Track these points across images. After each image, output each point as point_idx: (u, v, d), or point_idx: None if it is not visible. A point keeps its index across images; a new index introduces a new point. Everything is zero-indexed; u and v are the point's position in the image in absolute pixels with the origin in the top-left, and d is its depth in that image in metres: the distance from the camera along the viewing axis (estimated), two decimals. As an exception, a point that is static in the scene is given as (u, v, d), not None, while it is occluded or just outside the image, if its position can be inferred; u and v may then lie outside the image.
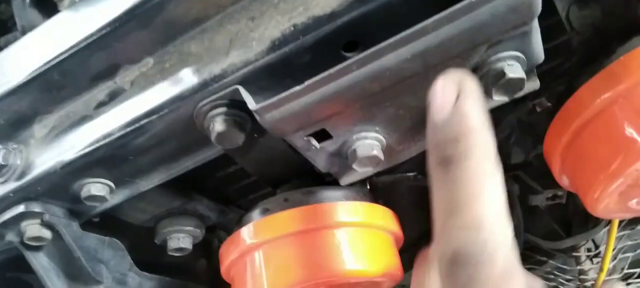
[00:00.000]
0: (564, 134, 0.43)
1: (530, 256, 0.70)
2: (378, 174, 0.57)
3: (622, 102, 0.38)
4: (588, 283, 0.72)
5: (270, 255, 0.49)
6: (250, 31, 0.46)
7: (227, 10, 0.48)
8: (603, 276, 0.65)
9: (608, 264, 0.64)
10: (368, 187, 0.58)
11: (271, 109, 0.43)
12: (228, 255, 0.52)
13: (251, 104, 0.44)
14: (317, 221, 0.49)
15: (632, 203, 0.46)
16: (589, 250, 0.66)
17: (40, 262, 0.60)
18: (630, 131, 0.37)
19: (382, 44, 0.39)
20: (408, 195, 0.65)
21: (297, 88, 0.42)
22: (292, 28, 0.44)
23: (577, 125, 0.41)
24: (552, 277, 0.72)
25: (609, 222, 0.61)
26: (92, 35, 0.50)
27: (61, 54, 0.52)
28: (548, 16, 0.47)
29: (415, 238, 0.73)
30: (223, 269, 0.54)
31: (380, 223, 0.52)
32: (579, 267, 0.68)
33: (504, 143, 0.54)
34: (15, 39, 0.57)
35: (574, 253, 0.66)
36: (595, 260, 0.73)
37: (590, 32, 0.44)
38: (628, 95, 0.38)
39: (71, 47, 0.51)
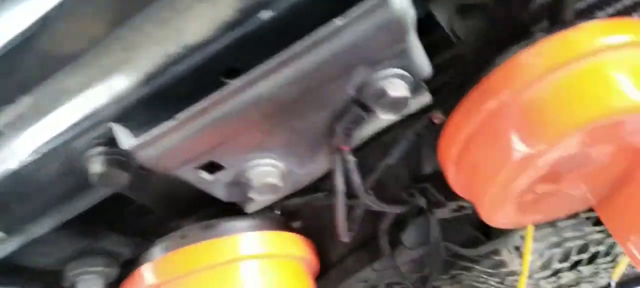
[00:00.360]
0: (453, 145, 0.42)
1: (455, 263, 0.69)
2: (289, 197, 0.55)
3: (500, 112, 0.37)
4: (517, 284, 0.72)
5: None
6: (125, 64, 0.43)
7: (101, 42, 0.45)
8: (524, 279, 0.65)
9: (527, 265, 0.64)
10: (278, 212, 0.56)
11: (146, 146, 0.41)
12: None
13: (124, 142, 0.41)
14: (214, 257, 0.47)
15: (538, 210, 0.46)
16: (517, 248, 0.66)
17: None
18: (511, 141, 0.36)
19: (253, 73, 0.37)
20: (329, 213, 0.63)
21: (171, 122, 0.40)
22: (166, 58, 0.41)
23: (463, 136, 0.40)
24: (482, 279, 0.72)
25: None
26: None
27: None
28: (435, 31, 0.46)
29: (346, 251, 0.71)
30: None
31: (285, 252, 0.50)
32: (504, 269, 0.67)
33: (411, 156, 0.53)
34: None
35: (495, 257, 0.66)
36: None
37: (477, 42, 0.43)
38: (504, 106, 0.37)
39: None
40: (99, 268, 0.61)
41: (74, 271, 0.61)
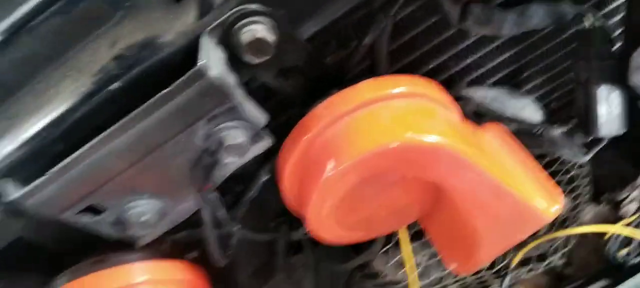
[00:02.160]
0: (280, 177, 0.51)
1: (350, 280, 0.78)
2: (175, 231, 0.64)
3: (307, 148, 0.48)
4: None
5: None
6: (8, 131, 0.51)
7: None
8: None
9: (412, 270, 0.73)
10: (165, 244, 0.64)
11: (30, 197, 0.49)
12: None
13: (11, 193, 0.50)
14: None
15: (362, 226, 0.55)
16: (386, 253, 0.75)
17: None
18: (317, 168, 0.46)
19: (101, 136, 0.46)
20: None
21: (45, 178, 0.48)
22: (41, 124, 0.50)
23: (288, 168, 0.50)
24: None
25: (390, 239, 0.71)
26: None
27: None
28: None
29: (246, 277, 0.80)
30: None
31: (167, 277, 0.59)
32: (388, 280, 0.76)
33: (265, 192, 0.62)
34: None
35: (373, 270, 0.75)
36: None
37: (302, 93, 0.54)
38: (309, 144, 0.48)
39: None
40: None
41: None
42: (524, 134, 0.67)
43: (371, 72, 0.58)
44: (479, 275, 0.96)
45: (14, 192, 0.50)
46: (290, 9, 0.48)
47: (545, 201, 0.52)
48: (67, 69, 0.50)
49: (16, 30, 0.49)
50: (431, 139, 0.45)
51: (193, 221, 0.63)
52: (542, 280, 1.39)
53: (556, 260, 1.07)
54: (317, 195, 0.47)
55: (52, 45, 0.50)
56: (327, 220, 0.50)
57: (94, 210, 0.54)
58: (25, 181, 0.52)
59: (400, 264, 0.77)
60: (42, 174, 0.50)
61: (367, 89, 0.47)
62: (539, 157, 0.78)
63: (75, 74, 0.49)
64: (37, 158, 0.51)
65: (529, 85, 0.76)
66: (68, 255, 0.65)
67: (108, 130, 0.47)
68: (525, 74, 0.74)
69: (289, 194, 0.53)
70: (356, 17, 0.57)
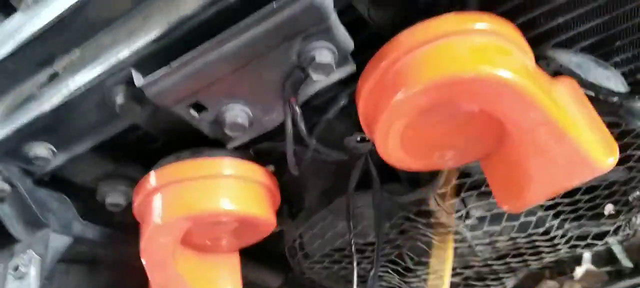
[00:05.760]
0: (360, 96, 0.58)
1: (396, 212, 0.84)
2: (259, 141, 0.73)
3: (387, 70, 0.54)
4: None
5: (165, 195, 0.66)
6: (142, 28, 0.62)
7: (129, 12, 0.64)
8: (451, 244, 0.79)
9: (452, 209, 0.77)
10: (250, 151, 0.74)
11: (151, 85, 0.60)
12: (136, 197, 0.69)
13: (138, 80, 0.60)
14: (197, 171, 0.65)
15: (423, 154, 0.61)
16: (442, 197, 0.79)
17: (4, 211, 0.77)
18: (391, 90, 0.52)
19: (219, 36, 0.55)
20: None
21: (166, 68, 0.58)
22: (167, 26, 0.60)
23: (367, 88, 0.56)
24: (422, 232, 0.87)
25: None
26: (36, 32, 0.67)
27: (14, 47, 0.69)
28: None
29: (319, 194, 0.89)
30: (134, 208, 0.70)
31: (249, 176, 0.68)
32: (438, 222, 0.82)
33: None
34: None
35: (423, 207, 0.81)
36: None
37: (390, 23, 0.59)
38: (389, 66, 0.54)
39: (21, 42, 0.68)
40: (123, 188, 0.81)
41: (104, 188, 0.81)
42: (602, 101, 0.68)
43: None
44: (531, 238, 0.99)
45: (141, 79, 0.61)
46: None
47: (602, 152, 0.55)
48: (195, -20, 0.59)
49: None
50: (503, 74, 0.49)
51: (274, 134, 0.72)
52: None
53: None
54: (388, 113, 0.53)
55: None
56: (393, 140, 0.56)
57: (198, 107, 0.64)
58: (148, 72, 0.63)
59: (453, 209, 0.82)
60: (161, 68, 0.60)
61: (449, 21, 0.52)
62: (611, 126, 0.78)
63: (201, -15, 0.58)
64: (160, 55, 0.62)
65: (618, 58, 0.76)
66: (169, 147, 0.76)
67: (220, 35, 0.56)
68: (615, 44, 0.74)
69: (364, 113, 0.60)
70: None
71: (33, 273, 0.73)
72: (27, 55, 0.69)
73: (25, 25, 0.69)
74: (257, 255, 1.03)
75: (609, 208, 1.03)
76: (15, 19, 0.71)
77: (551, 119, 0.52)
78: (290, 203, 0.95)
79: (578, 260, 1.31)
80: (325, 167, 0.88)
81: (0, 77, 0.72)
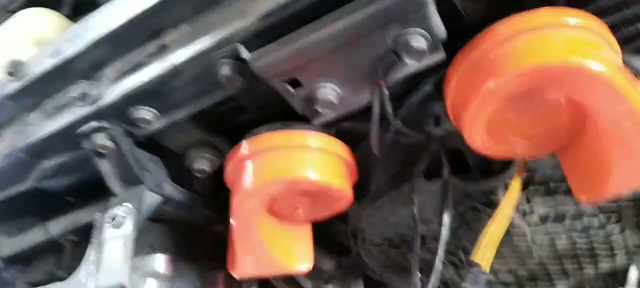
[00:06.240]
0: (448, 84, 0.61)
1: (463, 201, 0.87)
2: (343, 121, 0.78)
3: (478, 59, 0.57)
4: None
5: (256, 162, 0.72)
6: (249, 7, 0.68)
7: (236, -6, 0.70)
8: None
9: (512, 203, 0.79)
10: (333, 130, 0.79)
11: (256, 60, 0.66)
12: (228, 163, 0.76)
13: (245, 54, 0.66)
14: (287, 141, 0.71)
15: (507, 141, 0.64)
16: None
17: (104, 167, 0.85)
18: (481, 78, 0.56)
19: (324, 18, 0.61)
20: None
21: (273, 45, 0.64)
22: (273, 6, 0.65)
23: (456, 76, 0.60)
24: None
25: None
26: (148, 6, 0.75)
27: (127, 20, 0.76)
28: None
29: (386, 179, 0.93)
30: (225, 176, 0.77)
31: (333, 150, 0.73)
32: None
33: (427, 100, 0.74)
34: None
35: (493, 197, 0.83)
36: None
37: (482, 18, 0.63)
38: (481, 55, 0.57)
39: (134, 15, 0.76)
40: (209, 156, 0.88)
41: (192, 154, 0.88)
42: None
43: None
44: (590, 240, 0.99)
45: (247, 54, 0.67)
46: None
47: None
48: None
49: None
50: (593, 65, 0.52)
51: (358, 116, 0.77)
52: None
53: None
54: (480, 97, 0.57)
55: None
56: (481, 124, 0.60)
57: (294, 83, 0.70)
58: (253, 49, 0.69)
59: (522, 202, 0.85)
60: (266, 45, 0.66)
61: (543, 14, 0.56)
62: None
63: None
64: (265, 33, 0.68)
65: None
66: (255, 121, 0.82)
67: (325, 17, 0.62)
68: None
69: (453, 98, 0.64)
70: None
71: (129, 223, 0.81)
72: (138, 28, 0.77)
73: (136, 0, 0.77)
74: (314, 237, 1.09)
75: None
76: (130, -6, 0.79)
77: (636, 111, 0.55)
78: (357, 186, 1.00)
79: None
80: (394, 152, 0.93)
81: (113, 44, 0.80)
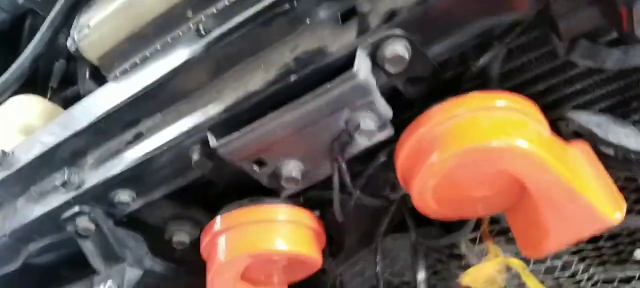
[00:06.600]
0: (398, 158, 0.68)
1: (430, 255, 0.93)
2: (309, 190, 0.84)
3: (422, 139, 0.64)
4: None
5: (229, 236, 0.77)
6: (216, 99, 0.75)
7: (204, 86, 0.77)
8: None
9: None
10: (300, 198, 0.85)
11: (223, 146, 0.72)
12: (204, 238, 0.81)
13: (212, 142, 0.73)
14: (256, 216, 0.77)
15: (455, 207, 0.70)
16: (473, 241, 0.87)
17: (87, 247, 0.90)
18: (425, 155, 0.63)
19: (283, 108, 0.67)
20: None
21: (237, 133, 0.70)
22: (236, 98, 0.72)
23: (404, 152, 0.66)
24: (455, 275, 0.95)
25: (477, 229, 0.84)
26: (125, 100, 0.81)
27: (106, 111, 0.83)
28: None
29: (353, 241, 0.98)
30: (201, 249, 0.82)
31: (299, 220, 0.79)
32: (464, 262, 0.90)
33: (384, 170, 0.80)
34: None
35: (456, 250, 0.89)
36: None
37: (423, 97, 0.71)
38: (423, 135, 0.64)
39: (112, 107, 0.82)
40: (188, 228, 0.93)
41: (171, 227, 0.93)
42: (619, 159, 0.76)
43: (483, 87, 0.71)
44: (558, 282, 1.05)
45: (215, 141, 0.73)
46: (423, 35, 0.65)
47: (610, 208, 0.63)
48: (260, 63, 0.72)
49: (229, 33, 0.73)
50: (519, 143, 0.59)
51: (322, 185, 0.83)
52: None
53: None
54: (423, 173, 0.63)
55: (251, 45, 0.72)
56: (427, 195, 0.66)
57: (260, 163, 0.76)
58: (220, 136, 0.75)
59: (483, 253, 0.90)
60: (232, 132, 0.72)
61: (474, 99, 0.63)
62: (629, 180, 0.86)
63: (265, 66, 0.71)
64: (230, 121, 0.74)
65: (637, 116, 0.81)
66: (230, 195, 0.88)
67: (284, 107, 0.68)
68: (633, 105, 0.80)
69: (402, 171, 0.70)
70: (476, 42, 0.72)
71: (112, 301, 0.85)
72: (117, 118, 0.83)
73: (115, 93, 0.83)
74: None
75: (637, 254, 1.09)
76: (107, 87, 0.86)
77: (562, 181, 0.62)
78: (331, 244, 1.05)
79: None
80: (363, 212, 0.99)
81: (93, 134, 0.86)
